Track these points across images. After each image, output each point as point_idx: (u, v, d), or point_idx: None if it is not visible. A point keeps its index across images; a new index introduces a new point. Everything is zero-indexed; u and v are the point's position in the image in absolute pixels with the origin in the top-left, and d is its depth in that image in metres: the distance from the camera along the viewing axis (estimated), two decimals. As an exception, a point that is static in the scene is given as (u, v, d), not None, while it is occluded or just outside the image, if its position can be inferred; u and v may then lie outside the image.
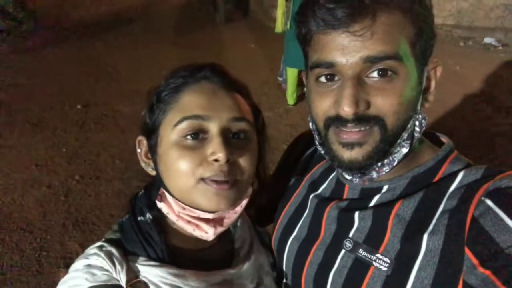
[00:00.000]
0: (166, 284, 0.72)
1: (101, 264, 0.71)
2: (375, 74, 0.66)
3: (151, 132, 0.79)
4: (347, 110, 0.65)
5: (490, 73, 6.08)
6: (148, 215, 0.79)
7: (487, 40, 7.83)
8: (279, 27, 5.15)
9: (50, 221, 3.12)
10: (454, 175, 0.72)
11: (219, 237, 0.82)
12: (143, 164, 0.83)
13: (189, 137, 0.73)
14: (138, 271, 0.73)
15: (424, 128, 0.75)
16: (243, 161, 0.76)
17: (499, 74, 5.97)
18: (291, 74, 5.03)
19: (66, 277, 0.71)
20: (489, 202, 0.63)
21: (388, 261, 0.69)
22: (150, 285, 0.72)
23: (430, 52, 0.73)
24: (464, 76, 6.10)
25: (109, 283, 0.69)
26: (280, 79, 5.74)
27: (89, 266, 0.71)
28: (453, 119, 4.82)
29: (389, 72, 0.66)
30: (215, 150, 0.71)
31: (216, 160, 0.71)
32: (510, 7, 7.87)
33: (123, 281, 0.70)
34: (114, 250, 0.74)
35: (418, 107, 0.73)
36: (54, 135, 4.43)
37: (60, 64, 6.75)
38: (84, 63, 6.73)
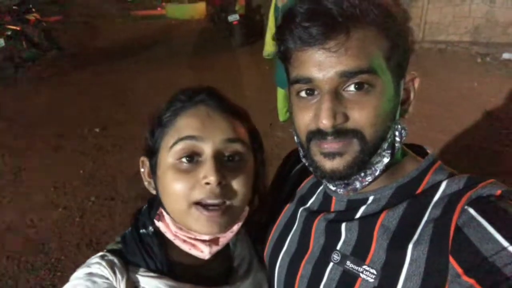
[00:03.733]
0: None
1: (102, 273, 0.73)
2: (351, 88, 0.68)
3: (152, 153, 0.82)
4: (325, 123, 0.67)
5: (508, 89, 5.96)
6: (150, 228, 0.82)
7: (506, 56, 7.71)
8: (267, 50, 5.37)
9: (65, 241, 3.17)
10: (437, 185, 0.73)
11: (218, 254, 0.83)
12: (146, 183, 0.86)
13: (184, 159, 0.75)
14: (138, 281, 0.75)
15: (404, 138, 0.76)
16: (237, 184, 0.77)
17: (518, 89, 5.85)
18: (280, 93, 5.27)
19: (68, 285, 0.73)
20: (471, 211, 0.64)
21: (375, 272, 0.70)
22: None
23: (406, 64, 0.74)
24: (482, 92, 6.00)
25: None
26: None
27: (90, 274, 0.73)
28: (470, 136, 4.72)
29: (365, 86, 0.68)
30: (207, 174, 0.73)
31: (207, 183, 0.73)
32: (528, 22, 7.77)
33: None
34: (115, 260, 0.77)
35: (397, 118, 0.75)
36: (72, 157, 4.56)
37: (80, 89, 7.00)
38: (104, 88, 6.95)
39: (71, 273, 0.75)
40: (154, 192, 0.84)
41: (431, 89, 6.18)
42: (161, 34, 11.80)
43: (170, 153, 0.76)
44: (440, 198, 0.70)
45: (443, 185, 0.72)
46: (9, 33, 7.73)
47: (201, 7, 14.84)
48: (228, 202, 0.76)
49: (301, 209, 0.89)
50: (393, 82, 0.71)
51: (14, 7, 8.58)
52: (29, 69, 7.96)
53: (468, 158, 4.16)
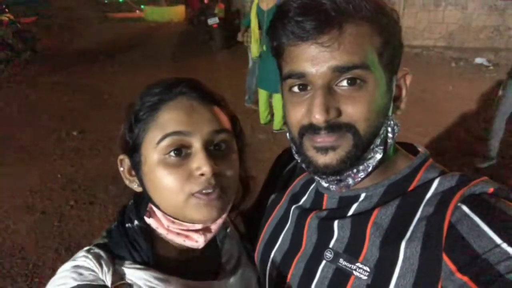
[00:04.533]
0: (149, 287, 0.73)
1: (88, 265, 0.72)
2: (344, 83, 0.68)
3: (133, 150, 0.79)
4: (318, 117, 0.67)
5: (482, 92, 6.16)
6: (136, 222, 0.81)
7: (478, 60, 7.99)
8: (254, 52, 5.42)
9: (43, 247, 3.08)
10: (429, 182, 0.73)
11: (206, 249, 0.82)
12: (127, 182, 0.83)
13: (172, 153, 0.74)
14: (124, 274, 0.74)
15: (396, 134, 0.77)
16: (227, 170, 0.77)
17: (491, 93, 6.05)
18: (262, 94, 5.30)
19: (54, 278, 0.72)
20: (465, 208, 0.64)
21: (368, 269, 0.69)
22: (134, 287, 0.73)
23: (398, 61, 0.75)
24: (457, 95, 6.18)
25: (95, 283, 0.70)
26: (247, 105, 6.08)
27: (76, 266, 0.72)
28: (447, 138, 4.85)
29: (358, 81, 0.68)
30: (200, 165, 0.72)
31: (202, 174, 0.73)
32: (499, 28, 8.08)
33: (108, 282, 0.71)
34: (101, 253, 0.75)
35: (390, 114, 0.75)
36: (50, 161, 4.44)
37: (57, 92, 6.84)
38: (81, 91, 6.82)
39: (50, 279, 0.73)
40: (138, 189, 0.82)
41: (408, 92, 6.34)
42: (139, 37, 11.68)
43: (157, 149, 0.74)
44: (432, 196, 0.70)
45: (436, 183, 0.72)
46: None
47: (180, 10, 14.78)
48: (222, 188, 0.76)
49: (293, 207, 0.88)
50: (385, 78, 0.71)
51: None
52: (2, 71, 7.73)
53: (443, 160, 4.27)
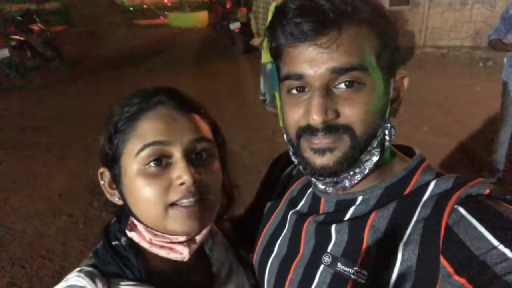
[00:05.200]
0: None
1: (82, 284, 0.70)
2: (342, 85, 0.68)
3: (113, 162, 0.78)
4: (316, 118, 0.67)
5: (511, 93, 5.95)
6: (123, 239, 0.79)
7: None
8: (265, 58, 5.38)
9: (70, 248, 3.17)
10: (426, 185, 0.72)
11: (196, 260, 0.81)
12: (108, 195, 0.81)
13: (152, 164, 0.73)
14: None
15: (393, 136, 0.76)
16: (209, 179, 0.76)
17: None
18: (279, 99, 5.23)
19: None
20: (461, 210, 0.64)
21: (366, 273, 0.69)
22: None
23: (396, 63, 0.74)
24: (484, 96, 5.99)
25: None
26: (261, 98, 6.09)
27: (70, 287, 0.70)
28: (473, 141, 4.71)
29: (356, 83, 0.68)
30: (181, 174, 0.72)
31: (182, 183, 0.72)
32: (529, 26, 7.77)
33: None
34: (94, 271, 0.74)
35: (386, 116, 0.75)
36: (77, 165, 4.57)
37: (83, 98, 7.05)
38: (106, 96, 6.99)
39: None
40: (119, 202, 0.80)
41: (434, 94, 6.19)
42: (163, 43, 11.89)
43: (136, 160, 0.73)
44: (429, 198, 0.70)
45: (432, 185, 0.72)
46: (13, 43, 7.81)
47: (203, 15, 14.95)
48: (203, 198, 0.74)
49: (291, 212, 0.88)
50: (383, 80, 0.71)
51: (18, 18, 8.68)
52: (33, 78, 8.03)
53: (470, 164, 4.15)
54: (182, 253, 0.77)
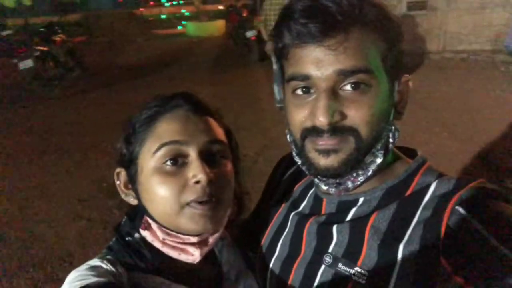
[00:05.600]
0: None
1: (106, 267, 0.73)
2: (348, 87, 0.69)
3: (130, 162, 0.81)
4: (322, 120, 0.68)
5: (534, 97, 5.81)
6: (137, 235, 0.81)
7: (530, 63, 7.53)
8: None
9: (89, 252, 3.22)
10: (427, 186, 0.73)
11: (205, 261, 0.82)
12: (123, 195, 0.84)
13: (168, 162, 0.75)
14: (138, 280, 0.75)
15: (396, 139, 0.77)
16: (223, 180, 0.78)
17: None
18: None
19: (68, 279, 0.71)
20: (462, 211, 0.64)
21: (366, 273, 0.69)
22: None
23: (401, 67, 0.75)
24: (506, 101, 5.86)
25: (115, 282, 0.70)
26: (278, 105, 5.98)
27: (93, 267, 0.72)
28: (492, 147, 4.60)
29: (362, 85, 0.68)
30: (196, 173, 0.74)
31: (197, 182, 0.74)
32: (552, 29, 7.59)
33: (126, 285, 0.72)
34: (114, 259, 0.76)
35: (391, 119, 0.76)
36: (97, 171, 4.66)
37: (103, 105, 7.19)
38: (125, 104, 7.12)
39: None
40: (134, 202, 0.82)
41: (454, 99, 6.09)
42: (181, 52, 12.05)
43: (153, 159, 0.76)
44: (430, 199, 0.70)
45: (433, 186, 0.72)
46: (37, 53, 8.05)
47: (220, 24, 15.13)
48: (217, 198, 0.76)
49: (292, 213, 0.89)
50: (388, 83, 0.72)
51: (41, 29, 8.95)
52: (55, 87, 8.25)
53: (489, 170, 4.05)
54: (193, 255, 0.79)
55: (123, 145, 0.82)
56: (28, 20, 10.90)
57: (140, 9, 19.12)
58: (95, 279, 0.68)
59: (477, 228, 0.61)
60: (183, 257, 0.79)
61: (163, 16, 18.42)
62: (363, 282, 0.69)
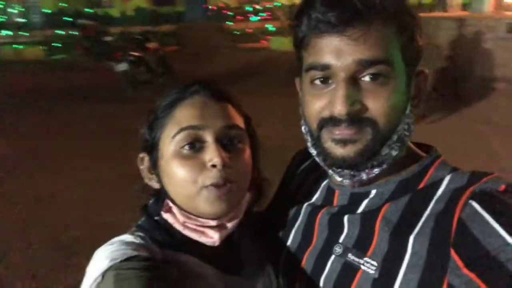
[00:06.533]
0: (191, 270, 0.78)
1: (139, 242, 0.76)
2: (367, 77, 0.70)
3: (152, 148, 0.85)
4: (340, 109, 0.68)
5: None
6: (163, 215, 0.84)
7: None
8: None
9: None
10: (440, 180, 0.73)
11: (225, 247, 0.84)
12: (146, 179, 0.88)
13: (186, 147, 0.79)
14: (169, 256, 0.79)
15: (412, 132, 0.76)
16: (239, 164, 0.81)
17: None
18: None
19: (102, 249, 0.74)
20: (475, 205, 0.63)
21: (376, 264, 0.70)
22: (180, 270, 0.77)
23: (418, 60, 0.75)
24: None
25: (149, 256, 0.73)
26: None
27: (127, 242, 0.75)
28: None
29: (381, 76, 0.70)
30: (212, 157, 0.77)
31: (213, 166, 0.76)
32: None
33: (158, 262, 0.74)
34: (145, 235, 0.80)
35: (407, 112, 0.74)
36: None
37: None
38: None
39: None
40: (156, 186, 0.87)
41: None
42: (263, 64, 12.39)
43: (172, 143, 0.79)
44: (443, 193, 0.70)
45: (446, 180, 0.72)
46: (131, 58, 8.83)
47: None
48: (233, 182, 0.78)
49: (305, 204, 0.90)
50: (406, 76, 0.72)
51: (137, 37, 9.82)
52: (144, 90, 8.93)
53: None
54: (213, 238, 0.81)
55: (146, 131, 0.86)
56: (128, 29, 12.04)
57: (228, 23, 20.05)
58: (136, 253, 0.71)
59: (489, 222, 0.61)
60: (203, 240, 0.81)
61: (249, 30, 19.09)
62: (372, 272, 0.70)
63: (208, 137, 0.79)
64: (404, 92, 0.73)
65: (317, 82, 0.73)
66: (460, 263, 0.61)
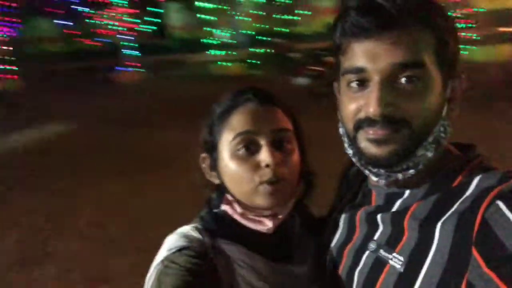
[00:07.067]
0: (240, 259, 0.90)
1: (194, 234, 0.91)
2: (402, 80, 0.72)
3: (212, 149, 0.96)
4: (375, 110, 0.72)
5: None
6: (222, 208, 0.97)
7: None
8: None
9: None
10: (471, 180, 0.72)
11: (278, 236, 0.94)
12: (207, 176, 1.00)
13: (242, 149, 0.90)
14: (221, 248, 0.91)
15: (448, 135, 0.76)
16: (289, 163, 0.91)
17: None
18: None
19: (168, 240, 0.90)
20: (500, 204, 0.62)
21: (402, 259, 0.74)
22: (230, 259, 0.90)
23: (454, 63, 0.75)
24: None
25: (200, 250, 0.87)
26: None
27: (186, 235, 0.91)
28: None
29: (415, 79, 0.71)
30: (266, 158, 0.88)
31: (267, 166, 0.87)
32: None
33: (210, 253, 0.88)
34: (202, 228, 0.95)
35: (443, 114, 0.75)
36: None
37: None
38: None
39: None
40: (216, 181, 0.98)
41: None
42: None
43: (230, 146, 0.90)
44: (471, 192, 0.69)
45: (476, 180, 0.71)
46: (312, 73, 9.35)
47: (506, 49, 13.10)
48: (284, 179, 0.89)
49: (349, 205, 0.95)
50: (441, 79, 0.73)
51: (318, 52, 10.32)
52: (322, 103, 9.31)
53: None
54: (267, 225, 0.92)
55: (206, 134, 0.99)
56: (313, 45, 12.72)
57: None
58: (189, 244, 0.88)
59: None
60: (259, 228, 0.92)
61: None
62: (398, 266, 0.73)
63: (261, 141, 0.89)
64: (440, 94, 0.74)
65: (353, 85, 0.77)
66: (481, 262, 0.61)
